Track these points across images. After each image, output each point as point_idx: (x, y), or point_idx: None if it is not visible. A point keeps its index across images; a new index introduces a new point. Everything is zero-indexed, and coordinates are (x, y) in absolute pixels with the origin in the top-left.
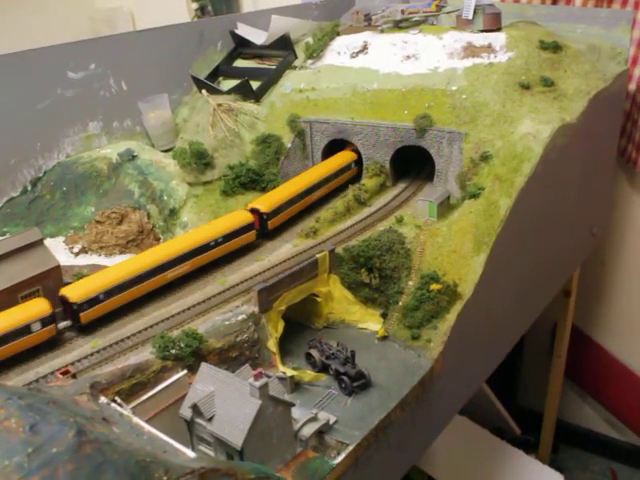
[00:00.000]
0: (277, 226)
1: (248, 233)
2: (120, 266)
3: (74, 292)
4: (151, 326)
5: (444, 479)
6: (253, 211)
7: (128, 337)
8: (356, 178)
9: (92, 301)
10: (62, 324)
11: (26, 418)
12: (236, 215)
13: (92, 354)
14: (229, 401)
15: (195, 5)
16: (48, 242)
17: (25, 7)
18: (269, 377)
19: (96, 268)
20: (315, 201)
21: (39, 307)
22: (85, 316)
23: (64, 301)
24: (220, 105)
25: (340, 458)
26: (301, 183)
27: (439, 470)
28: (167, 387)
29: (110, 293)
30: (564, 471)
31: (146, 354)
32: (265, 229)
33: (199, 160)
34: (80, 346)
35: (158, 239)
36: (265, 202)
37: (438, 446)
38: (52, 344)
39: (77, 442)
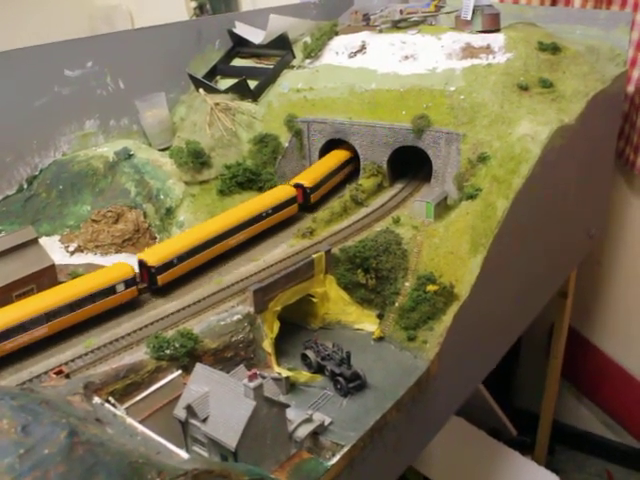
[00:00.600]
0: (317, 200)
1: (292, 206)
2: (188, 234)
3: (151, 257)
4: (146, 326)
5: None
6: (297, 186)
7: (123, 337)
8: (353, 178)
9: (167, 265)
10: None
11: (18, 419)
12: (281, 189)
13: (86, 354)
14: (223, 402)
15: (194, 3)
16: (44, 241)
17: (24, 5)
18: (264, 378)
19: (91, 267)
20: (347, 175)
21: (123, 270)
22: (162, 279)
23: (142, 265)
24: (217, 104)
25: (335, 459)
26: (334, 160)
27: (435, 471)
28: (161, 387)
29: (182, 258)
30: (560, 472)
31: (140, 354)
32: (307, 202)
33: (196, 159)
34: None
35: (154, 238)
36: (308, 178)
37: (434, 447)
38: (133, 305)
39: (69, 443)
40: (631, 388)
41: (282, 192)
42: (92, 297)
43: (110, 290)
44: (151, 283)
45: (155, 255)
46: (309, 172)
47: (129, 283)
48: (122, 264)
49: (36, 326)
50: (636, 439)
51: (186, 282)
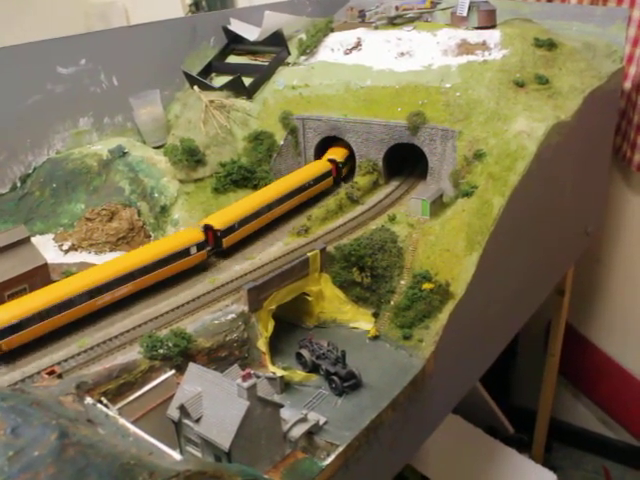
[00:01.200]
0: (346, 174)
1: (328, 179)
2: (244, 202)
3: (217, 221)
4: (139, 325)
5: (437, 478)
6: (330, 161)
7: (116, 336)
8: (349, 175)
9: (230, 229)
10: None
11: (8, 420)
12: (318, 164)
13: (79, 353)
14: (217, 402)
15: (189, 0)
16: (37, 239)
17: (19, 2)
18: (258, 377)
19: (85, 266)
20: None
21: (195, 234)
22: (226, 241)
23: (208, 229)
24: (212, 102)
25: (330, 459)
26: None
27: (432, 469)
28: (155, 387)
29: (241, 223)
30: (557, 469)
31: (134, 354)
32: (340, 175)
33: (190, 157)
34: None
35: (149, 236)
36: (338, 154)
37: (431, 445)
38: (203, 267)
39: (59, 445)
40: (628, 385)
41: (320, 166)
42: (171, 258)
43: (185, 252)
44: (217, 246)
45: (220, 219)
46: (338, 149)
47: (200, 247)
48: (192, 229)
49: (124, 283)
50: (633, 436)
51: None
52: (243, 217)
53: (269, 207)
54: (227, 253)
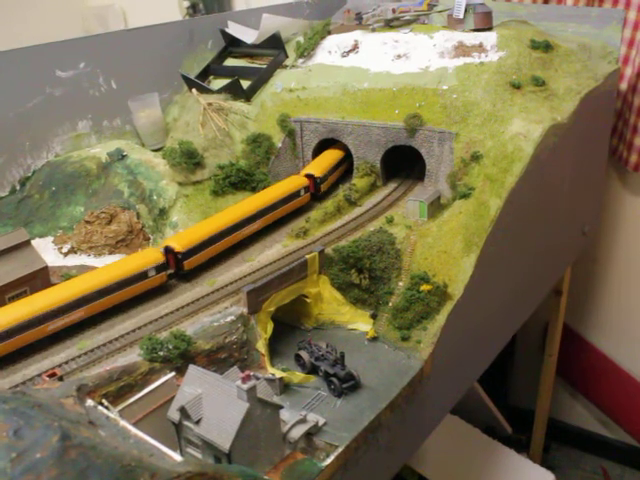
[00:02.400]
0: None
1: (303, 196)
2: (209, 222)
3: (178, 243)
4: (139, 327)
5: (436, 478)
6: (308, 176)
7: (116, 339)
8: (346, 178)
9: (192, 251)
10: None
11: (10, 422)
12: (293, 180)
13: (79, 356)
14: (217, 403)
15: (186, 3)
16: (37, 242)
17: (17, 5)
18: (258, 379)
19: (85, 268)
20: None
21: (153, 256)
22: (188, 264)
23: (169, 251)
24: (210, 104)
25: (329, 460)
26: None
27: (431, 469)
28: (155, 389)
29: (205, 244)
30: (555, 469)
31: (134, 356)
32: (318, 191)
33: (189, 160)
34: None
35: (148, 239)
36: (318, 167)
37: (430, 445)
38: (162, 290)
39: (61, 447)
40: (626, 385)
41: (294, 183)
42: (128, 281)
43: (143, 275)
44: (177, 269)
45: (181, 242)
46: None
47: (159, 269)
48: (152, 250)
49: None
50: (631, 436)
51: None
52: (207, 238)
53: (235, 227)
54: (188, 276)
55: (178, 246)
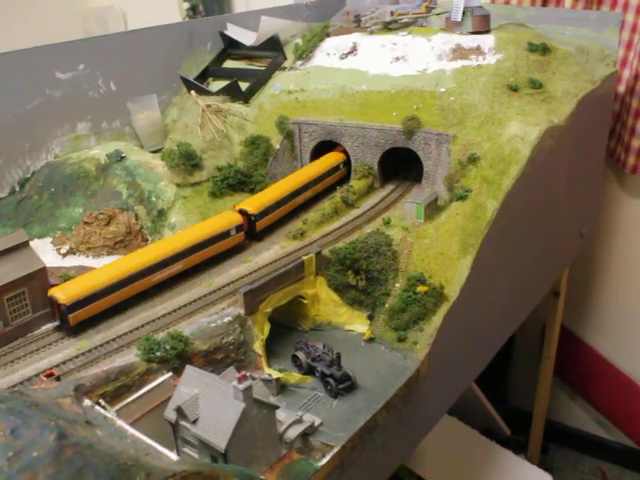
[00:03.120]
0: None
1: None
2: (273, 190)
3: (251, 206)
4: (137, 328)
5: (433, 479)
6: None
7: (114, 339)
8: (344, 179)
9: (263, 213)
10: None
11: (7, 422)
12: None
13: (77, 356)
14: (213, 404)
15: (186, 5)
16: (36, 243)
17: (17, 6)
18: (254, 379)
19: (83, 269)
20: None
21: (233, 217)
22: (259, 225)
23: (243, 213)
24: (209, 106)
25: (325, 460)
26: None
27: (429, 470)
28: (152, 389)
29: (272, 208)
30: (554, 471)
31: (131, 356)
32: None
33: (187, 161)
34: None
35: (146, 240)
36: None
37: (428, 447)
38: (239, 249)
39: (58, 446)
40: (624, 387)
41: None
42: (214, 239)
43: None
44: (250, 229)
45: (254, 205)
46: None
47: (239, 229)
48: (230, 213)
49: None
50: (629, 437)
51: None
52: (274, 202)
53: (297, 192)
54: (259, 236)
55: (252, 208)
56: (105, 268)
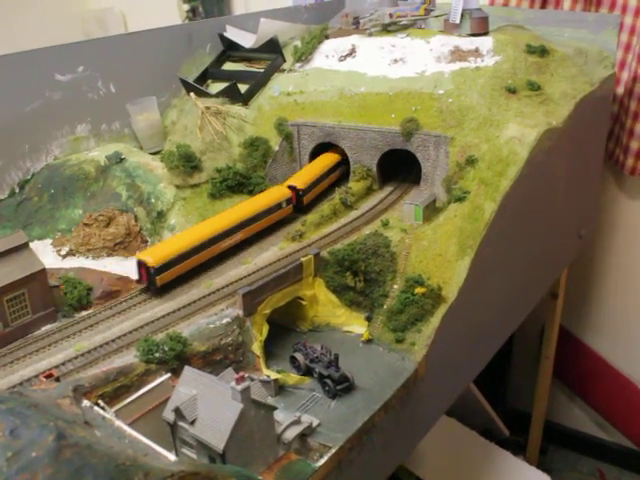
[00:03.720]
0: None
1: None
2: (314, 167)
3: (299, 182)
4: (136, 329)
5: None
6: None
7: (113, 340)
8: (343, 181)
9: (308, 189)
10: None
11: (6, 422)
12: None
13: (76, 357)
14: (211, 404)
15: (186, 7)
16: (36, 244)
17: (17, 8)
18: (252, 380)
19: (83, 271)
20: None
21: (283, 192)
22: (306, 199)
23: (292, 188)
24: (208, 108)
25: (323, 461)
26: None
27: (427, 471)
28: (150, 390)
29: (315, 184)
30: (552, 472)
31: (130, 357)
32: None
33: (187, 163)
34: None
35: (145, 241)
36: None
37: (427, 448)
38: (288, 220)
39: (57, 446)
40: (623, 388)
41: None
42: (269, 210)
43: (279, 206)
44: (298, 202)
45: (301, 181)
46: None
47: (288, 201)
48: (280, 188)
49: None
50: (628, 438)
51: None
52: (317, 178)
53: (331, 170)
54: (306, 210)
55: (300, 184)
56: (182, 235)
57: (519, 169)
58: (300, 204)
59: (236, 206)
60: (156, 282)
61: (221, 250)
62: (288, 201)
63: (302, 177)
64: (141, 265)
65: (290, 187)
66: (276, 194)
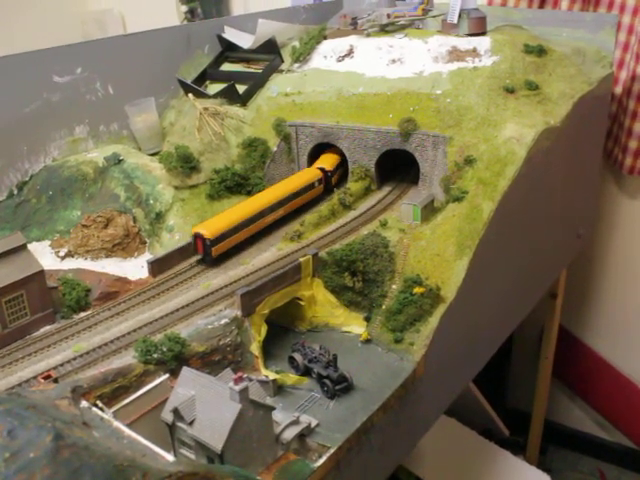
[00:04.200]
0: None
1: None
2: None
3: (327, 164)
4: (134, 330)
5: None
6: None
7: (111, 341)
8: (340, 182)
9: (334, 171)
10: None
11: (4, 423)
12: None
13: (75, 358)
14: (209, 405)
15: (184, 8)
16: (34, 246)
17: (16, 9)
18: (251, 380)
19: (82, 272)
20: None
21: (315, 173)
22: (334, 180)
23: (321, 169)
24: (206, 109)
25: (321, 461)
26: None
27: (427, 471)
28: (149, 391)
29: (337, 167)
30: (552, 471)
31: (128, 358)
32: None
33: (185, 164)
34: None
35: (144, 243)
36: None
37: (426, 447)
38: (319, 199)
39: (55, 447)
40: (623, 387)
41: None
42: (305, 189)
43: (312, 185)
44: (327, 183)
45: (329, 164)
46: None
47: (320, 181)
48: (312, 170)
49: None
50: (628, 438)
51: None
52: (339, 163)
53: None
54: (334, 190)
55: (328, 166)
56: (233, 210)
57: (517, 169)
58: (329, 184)
59: (275, 185)
60: (212, 253)
61: (265, 225)
62: (320, 181)
63: (328, 160)
64: (198, 237)
65: (319, 169)
66: (309, 175)
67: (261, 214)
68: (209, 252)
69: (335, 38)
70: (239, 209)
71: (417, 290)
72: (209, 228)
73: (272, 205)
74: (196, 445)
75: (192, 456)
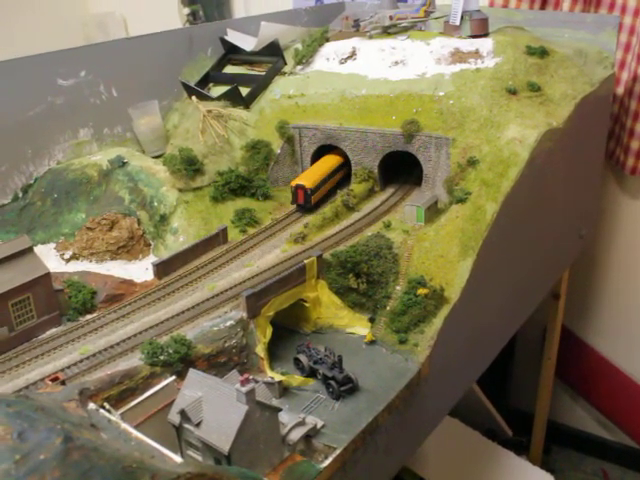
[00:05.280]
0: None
1: None
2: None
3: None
4: (140, 332)
5: None
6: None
7: (117, 343)
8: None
9: None
10: None
11: (14, 425)
12: None
13: (81, 360)
14: (216, 406)
15: (187, 10)
16: (39, 249)
17: (18, 12)
18: (257, 382)
19: (87, 275)
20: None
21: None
22: None
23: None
24: (210, 111)
25: (327, 462)
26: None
27: (431, 471)
28: (156, 393)
29: None
30: (556, 472)
31: (135, 360)
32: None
33: (189, 166)
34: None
35: (148, 245)
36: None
37: (430, 448)
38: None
39: (64, 449)
40: (626, 387)
41: None
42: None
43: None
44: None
45: None
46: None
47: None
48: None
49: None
50: (631, 438)
51: None
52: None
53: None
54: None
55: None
56: (316, 167)
57: (520, 170)
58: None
59: (326, 157)
60: (311, 200)
61: (332, 184)
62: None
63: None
64: (299, 188)
65: (297, 186)
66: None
67: (332, 173)
68: (309, 200)
69: (337, 40)
70: (321, 167)
71: (421, 291)
72: (307, 180)
73: (335, 169)
74: (203, 446)
75: (199, 458)
